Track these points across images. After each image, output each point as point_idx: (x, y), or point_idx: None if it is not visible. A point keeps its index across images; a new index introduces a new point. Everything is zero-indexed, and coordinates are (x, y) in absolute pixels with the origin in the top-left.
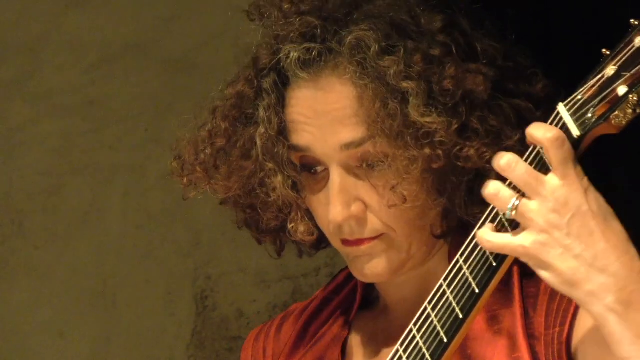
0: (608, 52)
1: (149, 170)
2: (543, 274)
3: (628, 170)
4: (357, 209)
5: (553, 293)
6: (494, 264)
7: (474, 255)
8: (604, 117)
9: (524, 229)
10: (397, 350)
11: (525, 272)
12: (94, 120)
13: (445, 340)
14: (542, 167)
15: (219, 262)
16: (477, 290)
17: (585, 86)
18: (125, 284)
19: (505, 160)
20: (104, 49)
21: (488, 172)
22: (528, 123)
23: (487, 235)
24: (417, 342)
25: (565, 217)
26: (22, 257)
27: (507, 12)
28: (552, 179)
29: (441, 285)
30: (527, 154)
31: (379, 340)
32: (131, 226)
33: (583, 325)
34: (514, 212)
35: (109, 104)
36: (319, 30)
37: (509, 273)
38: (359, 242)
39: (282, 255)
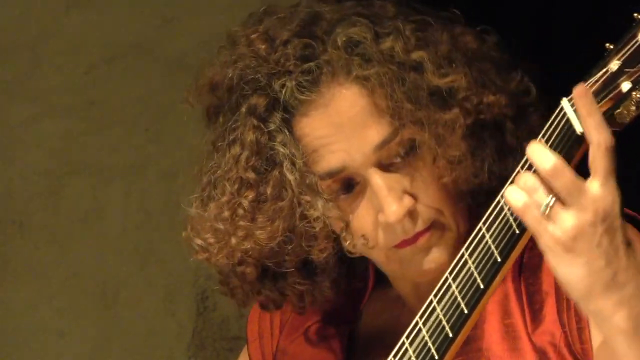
0: (612, 47)
1: (149, 171)
2: (560, 276)
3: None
4: (409, 201)
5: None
6: (499, 259)
7: (478, 250)
8: (608, 114)
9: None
10: (403, 343)
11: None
12: (95, 121)
13: (451, 335)
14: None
15: None
16: (482, 286)
17: (589, 81)
18: (126, 284)
19: (552, 166)
20: (105, 50)
21: (504, 122)
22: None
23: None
24: (423, 336)
25: (598, 230)
26: (22, 257)
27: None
28: (593, 188)
29: (447, 279)
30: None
31: (390, 331)
32: (131, 226)
33: None
34: (547, 210)
35: (110, 104)
36: (307, 50)
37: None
38: (416, 237)
39: (304, 312)
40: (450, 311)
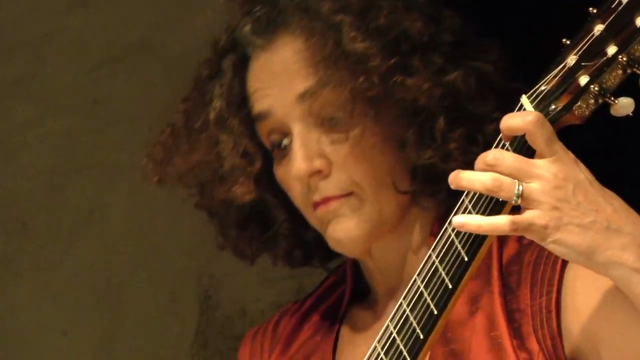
0: (568, 42)
1: None
2: (558, 249)
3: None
4: (321, 163)
5: (536, 264)
6: (466, 259)
7: (446, 250)
8: (567, 108)
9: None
10: (375, 348)
11: (503, 251)
12: (98, 120)
13: (422, 336)
14: (524, 153)
15: (223, 261)
16: (450, 286)
17: (547, 77)
18: (129, 283)
19: (491, 156)
20: (108, 49)
21: (436, 113)
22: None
23: (479, 220)
24: (395, 340)
25: (569, 189)
26: (25, 256)
27: None
28: (542, 160)
29: (415, 281)
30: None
31: (370, 333)
32: (135, 225)
33: (571, 292)
34: (519, 199)
35: (113, 103)
36: None
37: (488, 254)
38: (326, 200)
39: (254, 262)
40: (421, 313)
